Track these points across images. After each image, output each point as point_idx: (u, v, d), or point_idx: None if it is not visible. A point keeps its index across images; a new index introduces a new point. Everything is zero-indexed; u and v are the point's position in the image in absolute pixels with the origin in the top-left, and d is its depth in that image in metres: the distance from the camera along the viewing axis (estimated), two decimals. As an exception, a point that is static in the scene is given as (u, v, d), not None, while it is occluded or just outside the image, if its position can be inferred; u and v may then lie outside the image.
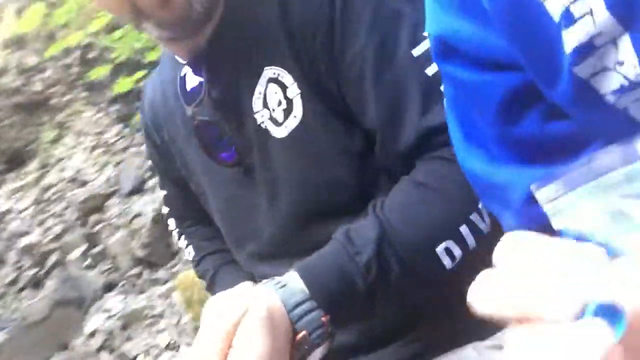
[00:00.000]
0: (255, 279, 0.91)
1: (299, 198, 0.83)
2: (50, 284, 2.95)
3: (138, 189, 3.38)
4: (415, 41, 0.74)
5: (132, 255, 2.90)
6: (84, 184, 4.19)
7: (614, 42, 0.49)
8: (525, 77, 0.58)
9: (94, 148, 4.40)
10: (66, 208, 4.04)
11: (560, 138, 0.60)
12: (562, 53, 0.52)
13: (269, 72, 0.79)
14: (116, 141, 4.15)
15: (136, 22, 0.79)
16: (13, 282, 3.56)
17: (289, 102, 0.78)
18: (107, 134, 4.24)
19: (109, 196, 3.70)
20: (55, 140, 4.72)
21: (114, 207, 3.54)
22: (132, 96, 3.55)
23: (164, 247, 2.76)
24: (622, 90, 0.51)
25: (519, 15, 0.53)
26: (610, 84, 0.52)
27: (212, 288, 1.03)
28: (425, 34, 0.73)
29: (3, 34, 4.56)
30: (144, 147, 3.90)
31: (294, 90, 0.78)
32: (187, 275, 2.21)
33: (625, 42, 0.49)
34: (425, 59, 0.74)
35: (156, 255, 2.80)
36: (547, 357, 0.29)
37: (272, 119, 0.80)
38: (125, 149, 4.07)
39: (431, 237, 0.71)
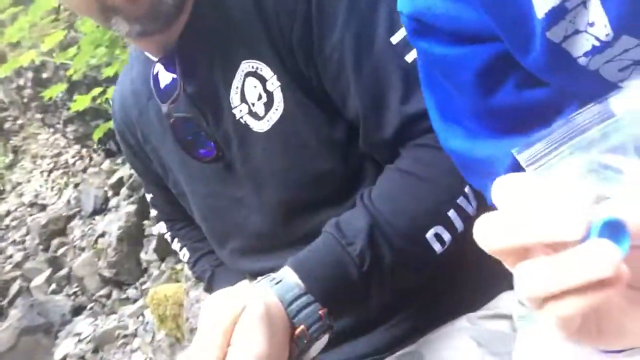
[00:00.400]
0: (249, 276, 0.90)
1: (283, 191, 0.82)
2: (14, 312, 2.85)
3: (100, 209, 3.31)
4: (393, 29, 0.74)
5: (99, 276, 2.83)
6: (44, 207, 4.08)
7: (584, 3, 0.50)
8: (499, 48, 0.58)
9: (51, 170, 4.30)
10: (27, 234, 3.93)
11: (536, 105, 0.61)
12: (534, 18, 0.53)
13: (246, 65, 0.78)
14: (74, 162, 4.06)
15: (105, 18, 0.77)
16: (-25, 313, 3.44)
17: (270, 95, 0.77)
18: (64, 155, 4.15)
19: (70, 218, 3.60)
20: (11, 165, 4.59)
21: (76, 228, 3.45)
22: (90, 115, 3.48)
23: (132, 265, 2.70)
24: (593, 52, 0.52)
25: None
26: (582, 46, 0.52)
27: (210, 289, 1.01)
28: (400, 22, 0.73)
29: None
30: (104, 166, 3.82)
31: (273, 83, 0.77)
32: (158, 291, 2.16)
33: (595, 3, 0.50)
34: (404, 45, 0.73)
35: (124, 274, 2.74)
36: (559, 282, 0.30)
37: (252, 113, 0.79)
38: (84, 170, 3.99)
39: (421, 225, 0.71)
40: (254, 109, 0.79)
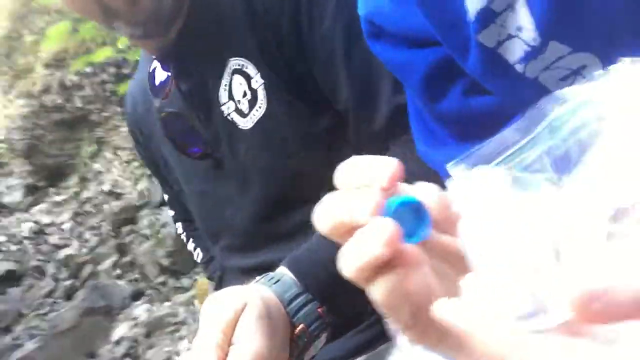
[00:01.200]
0: None
1: (267, 188, 0.83)
2: (80, 293, 3.03)
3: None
4: None
5: (158, 264, 2.95)
6: (119, 196, 4.31)
7: (512, 7, 0.47)
8: (444, 52, 0.56)
9: (130, 162, 4.52)
10: (102, 220, 4.16)
11: (483, 113, 0.58)
12: (468, 22, 0.51)
13: (234, 63, 0.80)
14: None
15: (107, 22, 0.81)
16: (50, 293, 3.68)
17: (254, 92, 0.79)
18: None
19: (141, 208, 3.79)
20: (94, 155, 4.87)
21: (145, 218, 3.62)
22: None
23: (187, 255, 2.80)
24: (526, 58, 0.49)
25: None
26: (515, 51, 0.50)
27: (220, 288, 1.04)
28: None
29: (45, 54, 4.75)
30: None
31: (257, 81, 0.78)
32: (204, 281, 2.22)
33: (522, 6, 0.47)
34: None
35: (180, 264, 2.84)
36: (348, 261, 0.32)
37: (237, 110, 0.81)
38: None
39: None
40: (239, 106, 0.81)
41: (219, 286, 1.04)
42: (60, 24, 2.54)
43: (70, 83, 4.63)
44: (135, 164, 4.55)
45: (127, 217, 3.79)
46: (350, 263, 0.32)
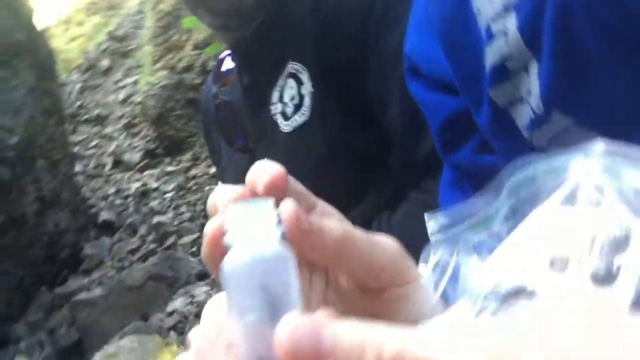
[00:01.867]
0: None
1: None
2: (153, 258, 3.19)
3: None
4: None
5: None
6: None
7: (525, 68, 0.44)
8: (461, 104, 0.54)
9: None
10: (199, 199, 4.36)
11: (491, 171, 0.55)
12: (486, 74, 0.48)
13: (291, 66, 0.81)
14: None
15: (191, 7, 0.85)
16: (133, 251, 3.90)
17: (301, 98, 0.80)
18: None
19: (235, 197, 3.93)
20: (212, 138, 5.15)
21: (235, 207, 3.75)
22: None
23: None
24: (531, 126, 0.46)
25: (456, 30, 0.50)
26: (523, 116, 0.46)
27: None
28: None
29: (197, 34, 5.10)
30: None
31: (307, 88, 0.79)
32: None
33: (534, 70, 0.44)
34: None
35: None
36: None
37: (283, 112, 0.82)
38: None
39: None
40: (285, 109, 0.82)
41: None
42: None
43: (210, 67, 4.93)
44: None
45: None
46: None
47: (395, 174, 0.76)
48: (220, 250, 0.28)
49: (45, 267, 3.79)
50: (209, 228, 0.31)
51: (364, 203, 0.77)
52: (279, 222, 0.29)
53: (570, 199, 0.32)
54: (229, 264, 0.26)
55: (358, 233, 0.34)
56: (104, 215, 4.59)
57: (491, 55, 0.45)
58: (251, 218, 0.28)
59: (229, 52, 0.93)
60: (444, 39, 0.50)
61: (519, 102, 0.46)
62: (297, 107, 0.81)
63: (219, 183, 1.16)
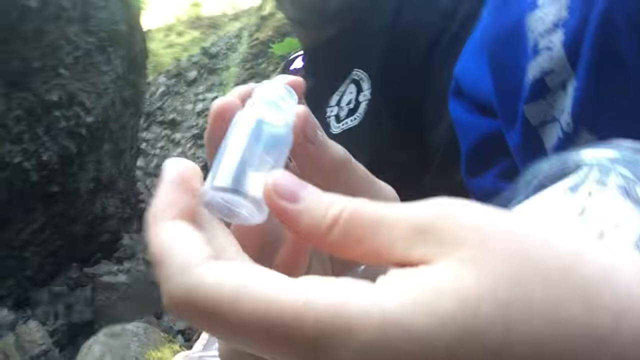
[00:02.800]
0: None
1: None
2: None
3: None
4: None
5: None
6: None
7: (564, 86, 0.45)
8: (495, 127, 0.55)
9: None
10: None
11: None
12: (524, 90, 0.49)
13: (355, 73, 0.83)
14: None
15: (278, 2, 0.89)
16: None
17: (357, 104, 0.82)
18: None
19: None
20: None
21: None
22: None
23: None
24: (558, 145, 0.46)
25: (506, 52, 0.51)
26: (552, 136, 0.46)
27: None
28: None
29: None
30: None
31: (365, 95, 0.81)
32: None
33: (571, 88, 0.44)
34: None
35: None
36: None
37: (337, 115, 0.84)
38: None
39: None
40: (340, 112, 0.84)
41: None
42: (293, 40, 2.80)
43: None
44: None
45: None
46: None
47: (428, 195, 0.76)
48: (226, 123, 0.30)
49: (82, 245, 3.90)
50: (218, 101, 0.32)
51: None
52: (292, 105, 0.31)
53: (574, 188, 0.32)
54: (245, 117, 0.29)
55: (360, 166, 0.36)
56: (150, 210, 4.70)
57: (533, 70, 0.46)
58: (271, 94, 0.30)
59: (300, 53, 0.97)
60: (493, 57, 0.52)
61: (551, 122, 0.46)
62: (351, 112, 0.83)
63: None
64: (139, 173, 5.05)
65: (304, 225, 0.25)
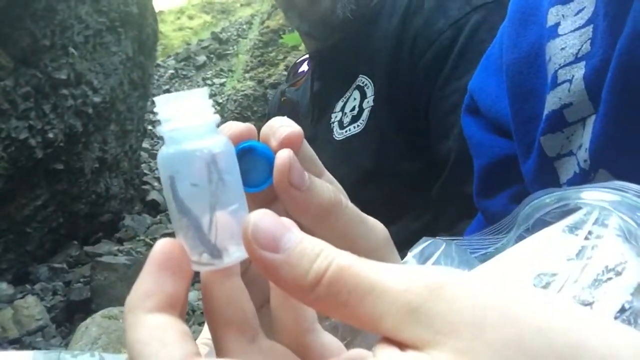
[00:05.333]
0: None
1: None
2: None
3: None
4: None
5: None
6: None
7: (583, 122, 0.45)
8: (511, 150, 0.55)
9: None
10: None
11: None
12: (542, 121, 0.49)
13: (361, 79, 0.84)
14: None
15: (285, 9, 0.90)
16: (169, 235, 3.98)
17: (360, 111, 0.82)
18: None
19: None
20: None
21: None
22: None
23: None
24: (573, 180, 0.46)
25: (525, 76, 0.51)
26: (568, 170, 0.47)
27: None
28: None
29: (291, 59, 5.26)
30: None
31: (368, 102, 0.81)
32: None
33: (589, 124, 0.44)
34: None
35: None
36: None
37: (340, 121, 0.84)
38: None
39: None
40: (343, 118, 0.84)
41: None
42: None
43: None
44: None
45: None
46: None
47: (435, 205, 0.77)
48: None
49: (84, 223, 3.92)
50: None
51: (398, 225, 0.78)
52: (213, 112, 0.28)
53: (573, 228, 0.32)
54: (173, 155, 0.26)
55: (350, 207, 0.35)
56: (153, 195, 4.72)
57: (552, 102, 0.46)
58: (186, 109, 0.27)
59: (305, 57, 0.97)
60: (512, 82, 0.52)
61: (567, 155, 0.46)
62: (354, 119, 0.83)
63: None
64: (144, 155, 5.06)
65: (285, 279, 0.23)
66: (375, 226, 0.36)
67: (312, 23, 0.87)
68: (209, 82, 6.03)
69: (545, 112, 0.48)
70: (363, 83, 0.84)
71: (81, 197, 3.84)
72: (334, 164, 0.86)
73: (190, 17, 7.04)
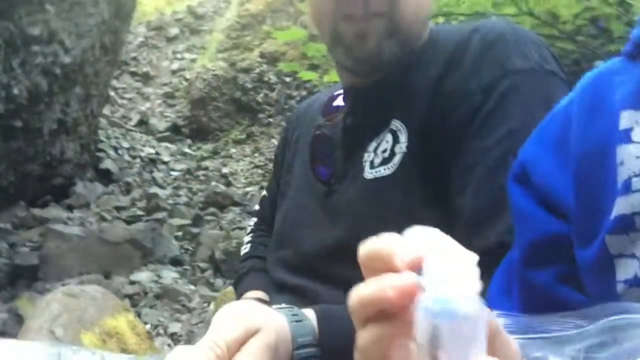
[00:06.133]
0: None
1: (348, 236, 0.87)
2: (140, 224, 3.19)
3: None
4: None
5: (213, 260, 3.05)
6: (230, 185, 4.57)
7: (651, 230, 0.48)
8: (562, 230, 0.57)
9: (246, 158, 4.80)
10: (202, 190, 4.41)
11: (563, 304, 0.58)
12: (608, 219, 0.52)
13: (394, 124, 0.85)
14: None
15: (331, 44, 0.90)
16: (120, 208, 3.90)
17: (392, 154, 0.83)
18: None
19: (236, 204, 3.99)
20: (240, 141, 5.22)
21: (230, 213, 3.81)
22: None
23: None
24: (632, 282, 0.49)
25: (594, 170, 0.54)
26: (628, 271, 0.50)
27: (237, 285, 1.10)
28: None
29: (268, 45, 5.23)
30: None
31: (401, 147, 0.83)
32: (231, 290, 2.25)
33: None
34: None
35: (229, 272, 2.91)
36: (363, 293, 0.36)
37: (371, 161, 0.86)
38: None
39: None
40: (374, 159, 0.85)
41: (237, 283, 1.08)
42: (298, 30, 2.79)
43: (268, 79, 5.04)
44: (257, 169, 4.81)
45: (224, 205, 3.98)
46: (361, 292, 0.36)
47: None
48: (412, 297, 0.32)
49: (34, 185, 3.79)
50: (402, 281, 0.33)
51: None
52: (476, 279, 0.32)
53: None
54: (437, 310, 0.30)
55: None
56: (107, 164, 4.61)
57: (622, 205, 0.48)
58: (451, 271, 0.32)
59: (341, 90, 0.98)
60: (580, 173, 0.54)
61: (630, 257, 0.49)
62: (386, 161, 0.84)
63: (265, 193, 1.20)
64: (103, 122, 4.93)
65: None
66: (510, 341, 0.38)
67: (356, 60, 0.88)
68: (179, 55, 5.91)
69: (615, 214, 0.50)
70: (396, 127, 0.85)
71: (35, 157, 3.71)
72: (363, 201, 0.88)
73: (167, -14, 6.86)
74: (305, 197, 0.97)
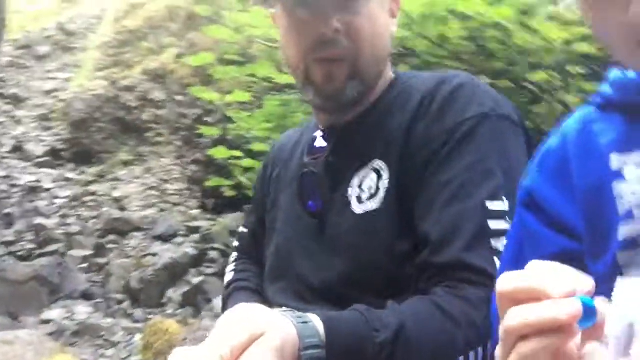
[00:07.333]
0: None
1: (345, 266, 0.96)
2: (43, 260, 3.03)
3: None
4: (494, 198, 0.88)
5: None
6: (124, 209, 4.41)
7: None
8: (574, 248, 0.71)
9: (139, 178, 4.67)
10: (95, 217, 4.22)
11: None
12: (615, 240, 0.66)
13: (377, 163, 0.96)
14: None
15: (303, 84, 1.01)
16: (9, 243, 3.66)
17: (377, 190, 0.94)
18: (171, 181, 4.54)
19: (138, 230, 3.87)
20: (127, 163, 5.04)
21: (134, 239, 3.70)
22: (214, 167, 3.82)
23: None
24: None
25: (597, 201, 0.68)
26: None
27: (225, 305, 1.14)
28: (503, 199, 0.88)
29: (149, 63, 5.10)
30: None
31: (384, 184, 0.94)
32: (156, 323, 2.23)
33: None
34: (495, 215, 0.87)
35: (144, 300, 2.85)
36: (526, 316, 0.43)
37: (358, 197, 0.96)
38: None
39: (435, 356, 0.79)
40: (361, 194, 0.96)
41: (225, 301, 1.15)
42: (208, 55, 2.77)
43: (154, 97, 4.91)
44: (151, 190, 4.69)
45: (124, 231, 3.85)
46: (525, 315, 0.44)
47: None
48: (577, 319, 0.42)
49: None
50: (573, 307, 0.43)
51: (401, 298, 0.87)
52: None
53: None
54: None
55: None
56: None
57: (627, 231, 0.61)
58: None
59: (322, 131, 1.08)
60: (585, 204, 0.68)
61: (636, 266, 0.64)
62: (372, 196, 0.95)
63: (243, 229, 1.27)
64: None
65: None
66: None
67: (326, 98, 0.99)
68: (51, 75, 5.60)
69: (622, 238, 0.65)
70: (379, 167, 0.96)
71: None
72: (357, 234, 0.97)
73: (29, 1, 6.47)
74: (294, 229, 1.06)
